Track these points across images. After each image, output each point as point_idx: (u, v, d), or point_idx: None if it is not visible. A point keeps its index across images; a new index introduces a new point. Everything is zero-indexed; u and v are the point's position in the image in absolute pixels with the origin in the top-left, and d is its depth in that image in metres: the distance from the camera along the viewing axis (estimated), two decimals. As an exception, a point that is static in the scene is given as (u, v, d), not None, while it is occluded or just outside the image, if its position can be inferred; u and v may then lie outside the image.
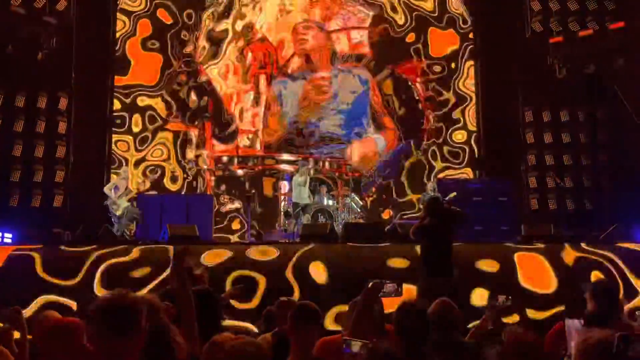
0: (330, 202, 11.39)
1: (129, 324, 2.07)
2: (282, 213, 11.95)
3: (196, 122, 12.95)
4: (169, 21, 13.05)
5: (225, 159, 12.94)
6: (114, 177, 11.18)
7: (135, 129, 12.70)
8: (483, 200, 10.74)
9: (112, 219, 9.83)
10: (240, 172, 12.90)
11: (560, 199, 11.81)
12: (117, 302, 2.10)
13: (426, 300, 3.55)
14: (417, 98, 13.38)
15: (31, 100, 10.84)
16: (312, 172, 11.43)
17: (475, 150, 13.20)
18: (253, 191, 12.31)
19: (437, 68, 13.44)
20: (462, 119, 13.35)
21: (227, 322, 4.00)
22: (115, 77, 12.64)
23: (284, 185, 12.43)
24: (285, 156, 13.04)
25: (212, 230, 10.78)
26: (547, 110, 12.39)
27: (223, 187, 12.79)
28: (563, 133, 12.34)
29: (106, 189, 10.21)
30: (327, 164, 13.03)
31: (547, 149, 12.35)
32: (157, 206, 10.25)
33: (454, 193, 9.72)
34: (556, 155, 12.27)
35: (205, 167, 12.83)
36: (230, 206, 12.59)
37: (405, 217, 12.30)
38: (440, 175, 12.69)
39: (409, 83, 13.43)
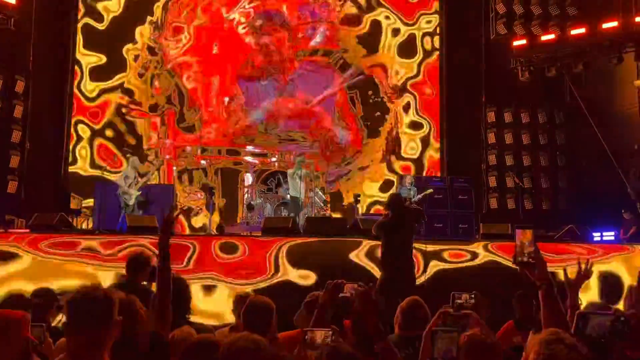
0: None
1: (102, 316, 2.07)
2: (244, 206, 11.86)
3: (158, 111, 12.71)
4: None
5: (188, 149, 12.76)
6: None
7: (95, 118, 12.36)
8: (443, 199, 10.91)
9: (124, 209, 9.65)
10: (203, 162, 12.74)
11: (519, 199, 12.08)
12: (89, 295, 2.10)
13: (382, 298, 3.56)
14: (382, 96, 13.44)
15: (-14, 82, 10.45)
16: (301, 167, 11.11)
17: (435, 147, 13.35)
18: (215, 183, 12.17)
19: (402, 67, 13.52)
20: (425, 118, 13.47)
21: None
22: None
23: (247, 178, 12.33)
24: (249, 148, 12.94)
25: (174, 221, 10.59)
26: (509, 112, 12.66)
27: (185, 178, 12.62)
28: (523, 134, 12.64)
29: (118, 179, 10.05)
30: (291, 157, 12.97)
31: (507, 149, 12.62)
32: (115, 196, 10.00)
33: (430, 190, 9.86)
34: (516, 156, 12.56)
35: (167, 156, 12.61)
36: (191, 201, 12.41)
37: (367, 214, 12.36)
38: (403, 173, 12.80)
39: (375, 81, 13.48)
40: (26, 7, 10.63)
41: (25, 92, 10.88)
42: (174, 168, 12.63)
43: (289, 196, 10.89)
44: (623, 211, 10.44)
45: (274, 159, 12.55)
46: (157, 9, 12.81)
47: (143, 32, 12.71)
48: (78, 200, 11.16)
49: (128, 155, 11.60)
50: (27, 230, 8.16)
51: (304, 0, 13.52)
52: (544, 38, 11.94)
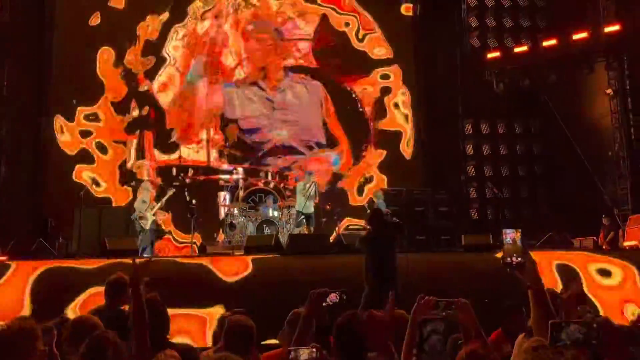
0: (276, 213, 11.30)
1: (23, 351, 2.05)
2: (226, 224, 11.75)
3: (136, 132, 12.62)
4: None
5: (166, 169, 12.63)
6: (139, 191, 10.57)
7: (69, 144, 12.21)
8: (425, 211, 10.97)
9: (139, 234, 9.64)
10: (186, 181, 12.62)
11: (498, 209, 12.20)
12: (10, 331, 2.09)
13: (367, 312, 3.55)
14: (360, 110, 13.53)
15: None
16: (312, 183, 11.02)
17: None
18: (194, 201, 12.04)
19: (380, 80, 13.64)
20: (404, 130, 13.57)
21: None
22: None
23: (225, 196, 12.18)
24: (225, 166, 12.83)
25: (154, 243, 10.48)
26: (486, 123, 12.83)
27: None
28: (501, 145, 12.81)
29: (137, 204, 10.02)
30: (269, 175, 12.90)
31: (485, 160, 12.78)
32: (94, 218, 9.87)
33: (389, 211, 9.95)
34: (494, 166, 12.71)
35: (146, 177, 12.48)
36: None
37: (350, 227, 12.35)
38: (384, 186, 12.85)
39: (353, 95, 13.57)
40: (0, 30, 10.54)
41: (0, 116, 10.73)
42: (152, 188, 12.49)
43: (295, 210, 10.86)
44: (603, 216, 10.59)
45: (237, 176, 12.39)
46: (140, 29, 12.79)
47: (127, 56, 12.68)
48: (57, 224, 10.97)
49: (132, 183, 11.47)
50: (5, 258, 8.00)
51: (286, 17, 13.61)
52: (516, 50, 12.18)
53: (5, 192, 10.66)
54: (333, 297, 2.98)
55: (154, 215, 9.99)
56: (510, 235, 2.35)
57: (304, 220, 10.68)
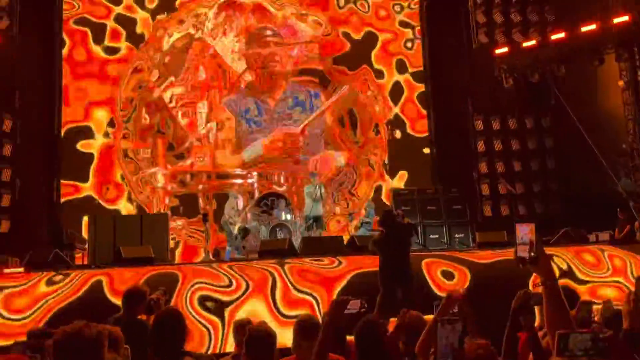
0: (288, 217, 11.34)
1: (89, 358, 1.97)
2: (240, 229, 11.80)
3: (149, 140, 12.72)
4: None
5: (179, 176, 12.73)
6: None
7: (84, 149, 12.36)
8: (437, 209, 10.95)
9: (228, 239, 10.43)
10: (199, 187, 12.72)
11: (512, 205, 12.13)
12: (76, 335, 2.00)
13: (384, 319, 3.56)
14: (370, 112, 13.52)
15: (-27, 122, 10.45)
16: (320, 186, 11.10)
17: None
18: (207, 208, 12.13)
19: (388, 81, 13.63)
20: (414, 130, 13.55)
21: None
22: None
23: (238, 202, 12.26)
24: (238, 171, 12.90)
25: (169, 251, 10.55)
26: (497, 119, 12.76)
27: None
28: (512, 140, 12.73)
29: (227, 210, 11.05)
30: (281, 177, 12.94)
31: (497, 156, 12.70)
32: (108, 227, 9.94)
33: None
34: (506, 163, 12.63)
35: (158, 185, 12.58)
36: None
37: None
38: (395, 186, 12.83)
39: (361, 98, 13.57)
40: (10, 47, 10.67)
41: (14, 131, 10.87)
42: (166, 196, 12.59)
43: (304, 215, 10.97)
44: (619, 210, 10.46)
45: (251, 180, 12.49)
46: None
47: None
48: (73, 235, 11.08)
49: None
50: (22, 269, 8.09)
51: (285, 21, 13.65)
52: (525, 44, 12.10)
53: (21, 204, 10.79)
54: (355, 305, 2.98)
55: (253, 219, 10.77)
56: (523, 230, 2.27)
57: (313, 223, 10.70)
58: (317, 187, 10.76)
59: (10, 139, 10.81)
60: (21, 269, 8.14)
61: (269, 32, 13.53)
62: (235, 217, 10.48)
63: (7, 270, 8.21)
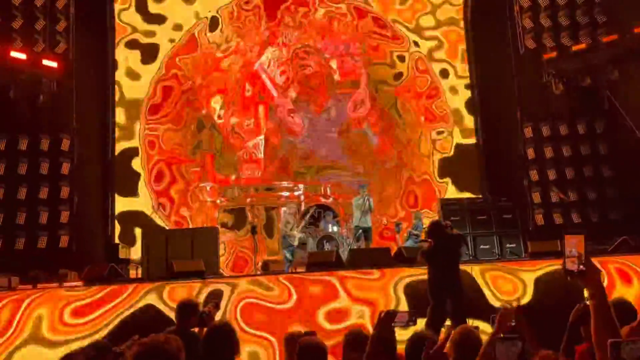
0: (335, 229, 11.36)
1: None
2: (288, 242, 11.90)
3: (198, 155, 13.03)
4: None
5: (227, 190, 12.98)
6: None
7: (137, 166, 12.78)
8: (487, 219, 10.74)
9: (287, 251, 10.67)
10: (247, 200, 12.94)
11: (566, 213, 11.77)
12: (155, 348, 2.05)
13: (434, 331, 3.53)
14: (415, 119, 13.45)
15: (34, 142, 10.95)
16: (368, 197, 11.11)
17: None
18: (256, 220, 12.30)
19: (434, 90, 13.55)
20: (461, 138, 13.39)
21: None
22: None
23: (285, 213, 12.38)
24: (285, 183, 13.05)
25: (219, 264, 10.73)
26: (547, 125, 12.44)
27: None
28: (564, 147, 12.37)
29: (282, 225, 11.22)
30: (328, 189, 13.01)
31: (548, 163, 12.36)
32: (161, 241, 10.20)
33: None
34: (558, 170, 12.28)
35: (208, 199, 12.85)
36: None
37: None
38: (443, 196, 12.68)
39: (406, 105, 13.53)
40: (67, 69, 11.17)
41: (71, 149, 11.34)
42: (216, 210, 12.84)
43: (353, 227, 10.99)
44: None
45: (298, 192, 12.62)
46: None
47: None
48: (127, 249, 11.45)
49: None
50: (81, 283, 8.40)
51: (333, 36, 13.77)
52: (575, 48, 11.78)
53: (78, 220, 11.22)
54: (403, 317, 2.97)
55: (300, 232, 10.96)
56: (572, 242, 2.22)
57: (362, 234, 10.68)
58: (366, 198, 10.74)
59: (68, 158, 11.28)
60: (80, 283, 8.45)
61: (312, 45, 13.69)
62: (292, 231, 10.71)
63: (66, 284, 8.55)
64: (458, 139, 13.40)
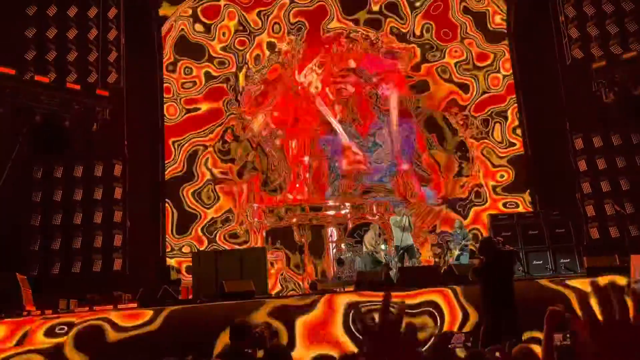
0: (383, 247, 11.29)
1: None
2: (334, 261, 11.91)
3: (244, 177, 13.24)
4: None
5: (274, 210, 13.11)
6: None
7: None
8: (540, 234, 10.48)
9: (373, 266, 10.71)
10: (294, 220, 13.04)
11: (622, 226, 11.35)
12: None
13: (489, 350, 3.47)
14: (461, 137, 13.32)
15: (88, 169, 11.36)
16: (407, 216, 11.11)
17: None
18: (303, 240, 12.35)
19: (481, 107, 13.43)
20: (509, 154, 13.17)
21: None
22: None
23: (333, 232, 12.42)
24: (331, 202, 13.09)
25: (268, 284, 10.81)
26: (598, 136, 12.09)
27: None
28: (617, 157, 11.98)
29: (366, 242, 11.31)
30: (374, 207, 12.96)
31: (601, 175, 11.99)
32: (211, 262, 10.37)
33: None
34: (612, 181, 11.88)
35: (255, 220, 13.00)
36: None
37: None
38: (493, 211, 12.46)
39: (451, 123, 13.43)
40: (119, 99, 11.60)
41: (123, 174, 11.71)
42: (263, 230, 12.97)
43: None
44: None
45: (345, 211, 12.64)
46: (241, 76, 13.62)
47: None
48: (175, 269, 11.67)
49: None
50: (135, 305, 8.60)
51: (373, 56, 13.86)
52: (625, 56, 11.46)
53: (131, 243, 11.53)
54: (458, 338, 2.94)
55: (384, 248, 11.02)
56: (637, 260, 2.18)
57: (404, 253, 10.56)
58: (403, 217, 10.65)
59: (120, 183, 11.64)
60: (134, 304, 8.65)
61: (353, 67, 13.79)
62: (378, 247, 10.78)
63: (121, 306, 8.77)
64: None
